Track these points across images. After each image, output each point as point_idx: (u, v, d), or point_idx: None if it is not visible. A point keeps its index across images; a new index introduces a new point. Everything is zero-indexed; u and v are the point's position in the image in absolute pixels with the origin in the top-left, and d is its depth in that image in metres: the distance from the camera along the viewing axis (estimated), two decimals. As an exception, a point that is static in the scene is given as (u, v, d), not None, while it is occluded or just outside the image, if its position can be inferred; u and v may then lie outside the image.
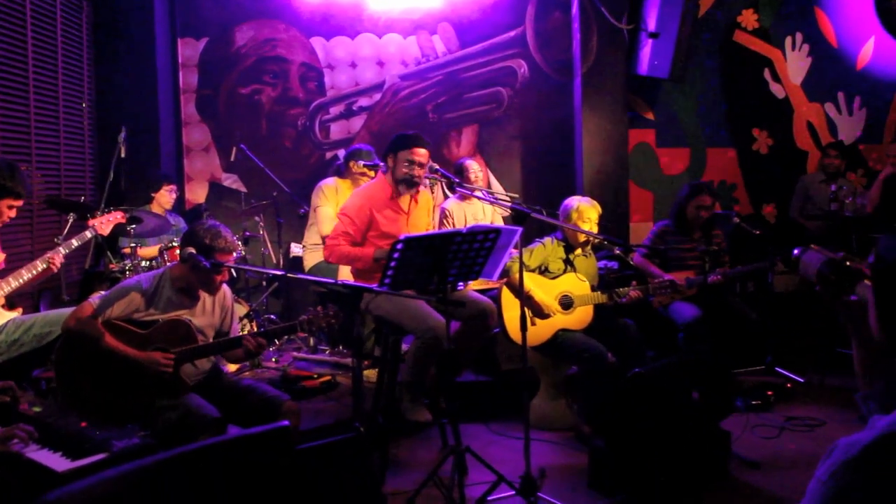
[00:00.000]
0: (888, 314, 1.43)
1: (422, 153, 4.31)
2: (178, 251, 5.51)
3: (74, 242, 4.42)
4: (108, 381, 3.41)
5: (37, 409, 2.75)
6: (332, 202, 5.93)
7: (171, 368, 3.37)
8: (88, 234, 4.56)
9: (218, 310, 3.72)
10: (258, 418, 3.35)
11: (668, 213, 5.61)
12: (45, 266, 4.13)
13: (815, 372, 5.41)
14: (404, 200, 4.44)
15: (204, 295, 3.66)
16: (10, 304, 4.12)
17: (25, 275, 4.06)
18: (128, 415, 3.27)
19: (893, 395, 1.55)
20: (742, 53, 7.68)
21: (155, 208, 6.18)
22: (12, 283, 4.01)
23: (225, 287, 3.77)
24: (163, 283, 3.58)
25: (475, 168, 6.20)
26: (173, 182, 6.36)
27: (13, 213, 4.07)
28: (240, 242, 6.26)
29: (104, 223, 4.65)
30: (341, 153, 7.63)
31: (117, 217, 4.74)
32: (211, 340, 3.63)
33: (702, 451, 3.83)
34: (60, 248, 4.25)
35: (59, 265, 4.18)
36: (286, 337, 6.47)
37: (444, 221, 5.97)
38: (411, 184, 4.35)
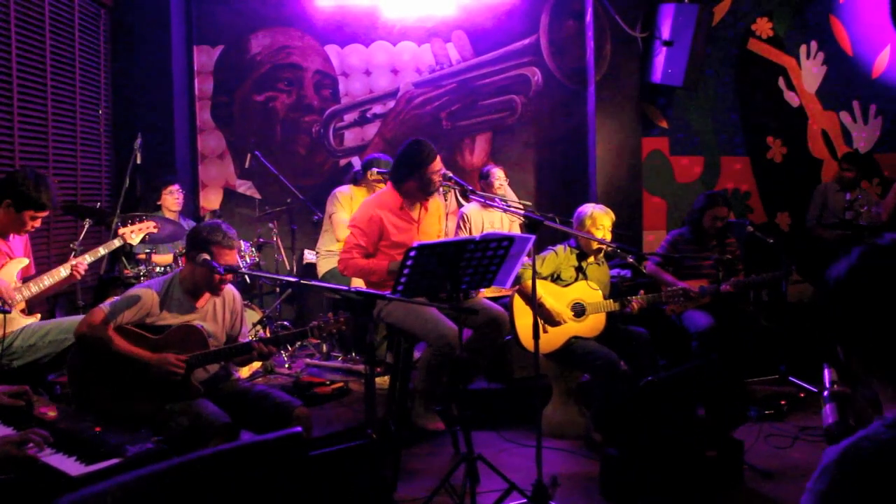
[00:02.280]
0: (851, 333, 1.41)
1: (439, 160, 4.35)
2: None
3: (101, 250, 4.44)
4: (120, 385, 3.43)
5: (52, 414, 2.77)
6: (346, 208, 5.95)
7: (182, 370, 3.39)
8: (117, 242, 4.55)
9: (228, 314, 3.75)
10: (270, 424, 3.37)
11: (682, 221, 5.60)
12: (67, 273, 4.17)
13: (855, 373, 5.36)
14: (414, 209, 4.45)
15: (214, 299, 3.69)
16: (29, 309, 4.16)
17: (46, 281, 4.10)
18: (140, 420, 3.29)
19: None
20: (756, 62, 7.65)
21: (166, 213, 6.22)
22: (33, 288, 4.05)
23: (235, 292, 3.81)
24: (173, 287, 3.62)
25: (500, 176, 6.20)
26: (172, 182, 6.36)
27: (37, 224, 4.11)
28: (253, 247, 6.28)
29: (134, 232, 4.64)
30: (355, 160, 7.68)
31: (149, 226, 4.73)
32: (222, 344, 3.65)
33: (714, 460, 3.81)
34: (87, 256, 4.27)
35: (82, 273, 4.19)
36: (298, 343, 6.49)
37: (461, 225, 5.99)
38: (436, 190, 4.40)
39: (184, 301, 3.61)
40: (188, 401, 3.39)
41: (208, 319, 3.65)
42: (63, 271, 4.17)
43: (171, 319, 3.57)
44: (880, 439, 1.31)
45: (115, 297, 3.59)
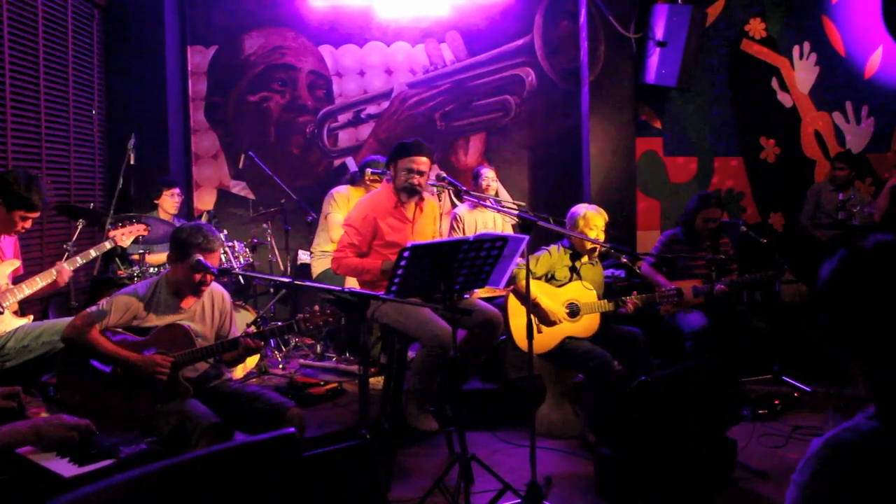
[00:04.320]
0: (837, 333, 1.44)
1: (422, 161, 4.31)
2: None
3: (92, 252, 4.45)
4: (108, 388, 3.42)
5: (44, 415, 2.77)
6: (342, 209, 5.96)
7: (168, 370, 3.38)
8: (108, 244, 4.57)
9: (217, 314, 3.74)
10: (263, 425, 3.36)
11: (676, 221, 5.61)
12: (53, 279, 4.17)
13: (822, 381, 5.39)
14: (408, 209, 4.45)
15: (203, 299, 3.69)
16: (22, 310, 4.15)
17: (40, 282, 4.10)
18: (129, 421, 3.28)
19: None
20: (750, 62, 7.68)
21: (162, 215, 6.20)
22: (25, 290, 4.04)
23: (223, 292, 3.81)
24: (160, 289, 3.62)
25: (488, 176, 6.22)
26: (174, 185, 6.33)
27: (27, 225, 4.11)
28: (247, 248, 6.27)
29: (125, 235, 4.65)
30: (349, 161, 7.68)
31: (139, 229, 4.75)
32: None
33: (708, 460, 3.82)
34: (78, 258, 4.26)
35: (66, 279, 4.18)
36: (293, 344, 6.49)
37: (455, 227, 5.99)
38: (412, 192, 4.36)
39: (170, 302, 3.61)
40: (177, 401, 3.38)
41: (196, 320, 3.64)
42: (55, 272, 4.16)
43: (158, 321, 3.56)
44: (861, 430, 1.35)
45: (102, 301, 3.59)
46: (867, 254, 1.39)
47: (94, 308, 3.52)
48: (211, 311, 3.72)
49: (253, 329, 5.77)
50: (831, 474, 1.32)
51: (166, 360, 3.39)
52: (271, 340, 6.39)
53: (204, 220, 6.63)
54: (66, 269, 4.15)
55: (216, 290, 3.78)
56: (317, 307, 3.62)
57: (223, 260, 5.89)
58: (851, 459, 1.32)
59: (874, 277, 1.37)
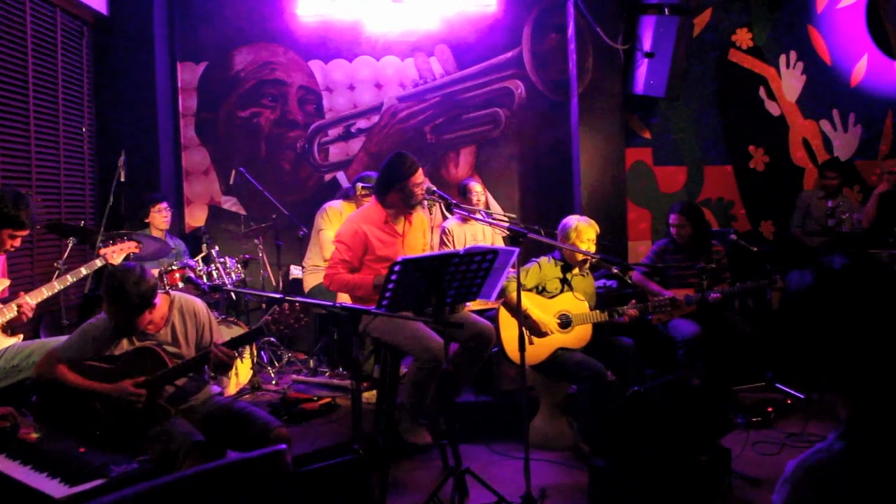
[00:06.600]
0: (811, 353, 1.49)
1: (421, 172, 4.35)
2: (176, 274, 5.54)
3: (83, 271, 4.42)
4: (90, 418, 3.35)
5: (34, 435, 2.75)
6: (335, 225, 5.95)
7: (142, 396, 3.31)
8: (98, 262, 4.52)
9: (192, 329, 3.60)
10: (249, 444, 3.26)
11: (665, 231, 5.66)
12: (51, 293, 4.13)
13: (816, 388, 5.40)
14: (398, 223, 4.45)
15: (172, 318, 3.58)
16: (11, 329, 4.13)
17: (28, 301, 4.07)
18: (118, 449, 3.23)
19: None
20: (737, 72, 7.73)
21: (154, 232, 6.18)
22: (14, 308, 4.02)
23: (196, 302, 3.68)
24: None
25: (477, 190, 6.24)
26: (161, 200, 6.28)
27: (16, 243, 4.05)
28: (239, 264, 6.25)
29: (116, 252, 4.62)
30: (340, 175, 7.69)
31: (130, 247, 4.71)
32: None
33: (702, 468, 3.82)
34: (44, 290, 4.17)
35: (29, 314, 4.09)
36: (287, 359, 6.48)
37: (445, 240, 6.00)
38: (418, 203, 4.39)
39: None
40: (160, 423, 3.30)
41: (170, 340, 3.54)
42: (45, 291, 4.14)
43: (129, 345, 3.47)
44: (833, 450, 1.40)
45: (70, 335, 3.52)
46: (838, 277, 1.45)
47: (58, 344, 3.45)
48: (183, 327, 3.59)
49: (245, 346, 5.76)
50: (806, 496, 1.38)
51: (138, 388, 3.32)
52: (264, 356, 6.38)
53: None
54: (26, 303, 4.06)
55: (186, 304, 3.64)
56: (286, 305, 3.44)
57: (215, 276, 5.88)
58: (822, 481, 1.38)
59: (845, 301, 1.44)
